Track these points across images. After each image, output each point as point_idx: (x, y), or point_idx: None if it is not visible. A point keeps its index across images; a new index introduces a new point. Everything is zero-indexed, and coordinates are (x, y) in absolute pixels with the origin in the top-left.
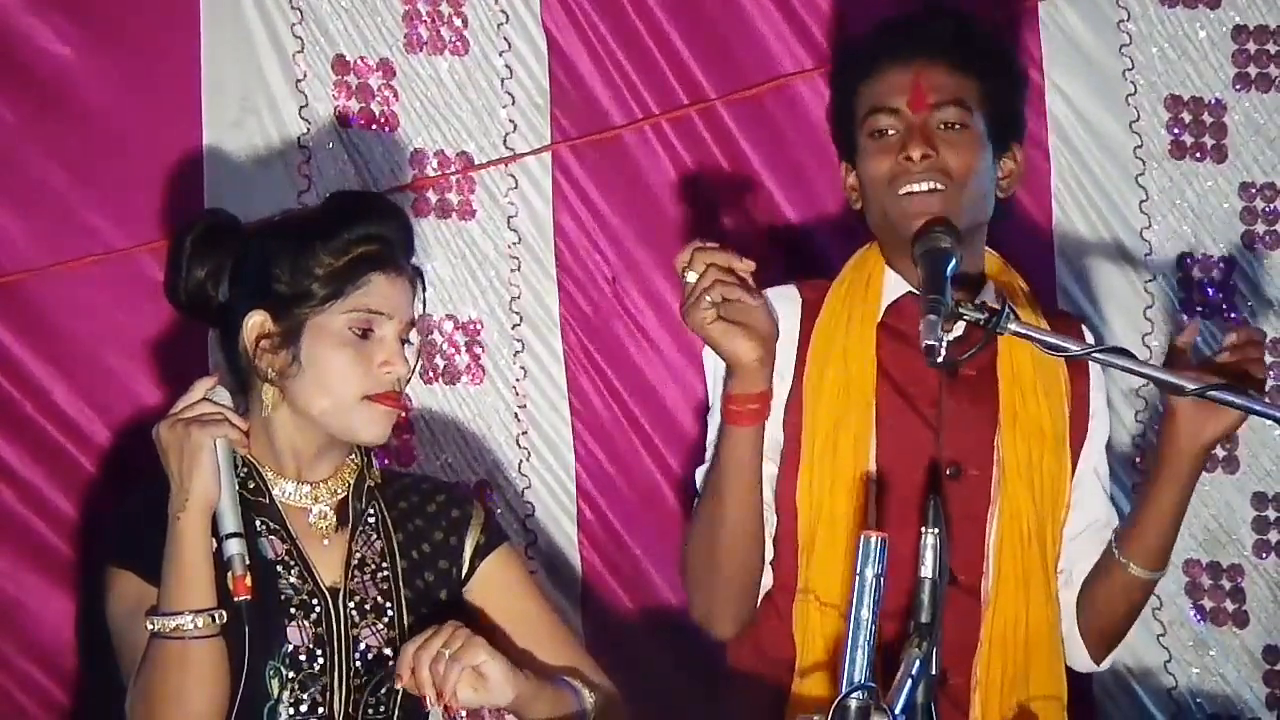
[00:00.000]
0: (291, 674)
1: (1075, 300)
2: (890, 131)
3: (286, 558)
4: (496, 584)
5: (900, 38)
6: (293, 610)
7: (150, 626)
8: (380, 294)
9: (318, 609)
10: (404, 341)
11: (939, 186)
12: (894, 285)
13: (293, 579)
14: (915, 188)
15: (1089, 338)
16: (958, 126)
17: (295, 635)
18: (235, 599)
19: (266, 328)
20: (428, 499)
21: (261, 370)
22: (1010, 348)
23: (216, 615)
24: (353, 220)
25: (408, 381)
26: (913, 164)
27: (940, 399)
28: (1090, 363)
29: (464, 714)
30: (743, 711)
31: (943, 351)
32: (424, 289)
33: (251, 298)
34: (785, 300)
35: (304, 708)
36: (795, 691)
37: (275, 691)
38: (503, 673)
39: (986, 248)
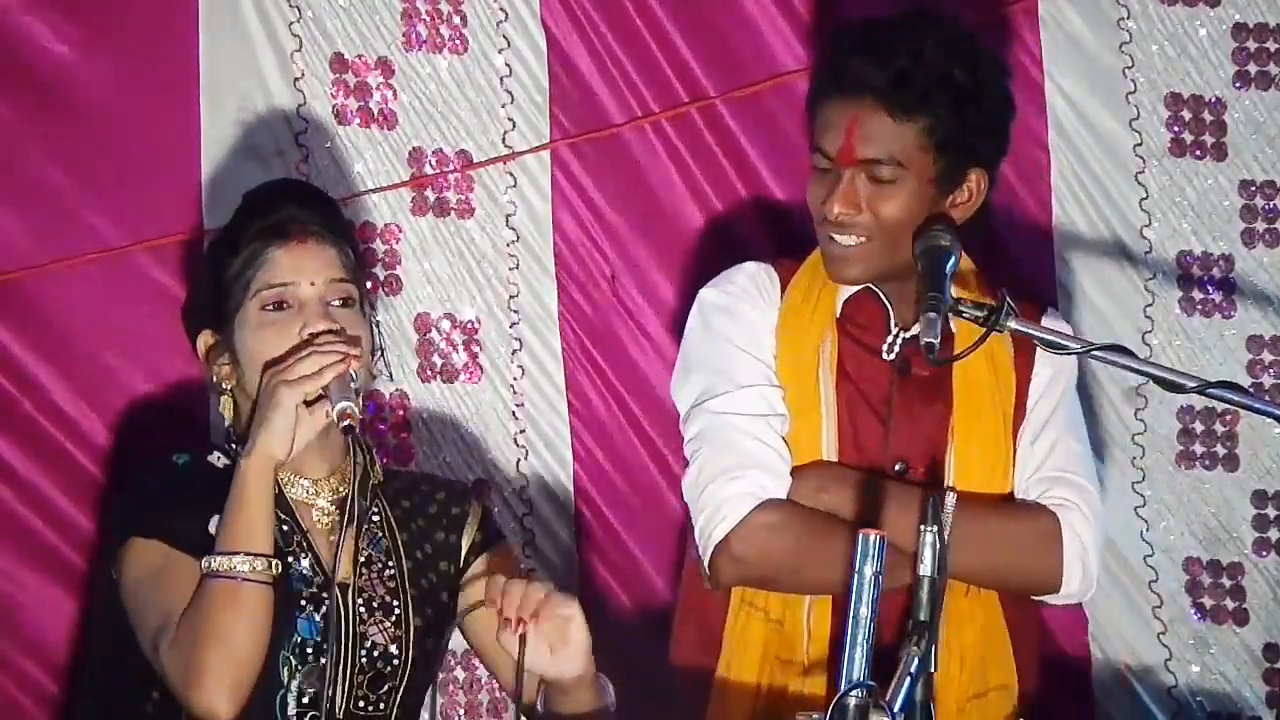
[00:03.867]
0: (299, 665)
1: (1075, 298)
2: (827, 169)
3: (299, 549)
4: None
5: (845, 71)
6: (303, 602)
7: (205, 565)
8: (281, 266)
9: (327, 603)
10: (334, 304)
11: (858, 240)
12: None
13: (304, 570)
14: (835, 236)
15: (1050, 320)
16: (889, 181)
17: (304, 628)
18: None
19: (211, 341)
20: (429, 499)
21: (216, 385)
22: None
23: (272, 562)
24: (249, 216)
25: (362, 341)
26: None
27: (890, 396)
28: (1039, 353)
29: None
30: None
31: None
32: (352, 250)
33: (199, 321)
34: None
35: (306, 700)
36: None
37: (286, 680)
38: (585, 640)
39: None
